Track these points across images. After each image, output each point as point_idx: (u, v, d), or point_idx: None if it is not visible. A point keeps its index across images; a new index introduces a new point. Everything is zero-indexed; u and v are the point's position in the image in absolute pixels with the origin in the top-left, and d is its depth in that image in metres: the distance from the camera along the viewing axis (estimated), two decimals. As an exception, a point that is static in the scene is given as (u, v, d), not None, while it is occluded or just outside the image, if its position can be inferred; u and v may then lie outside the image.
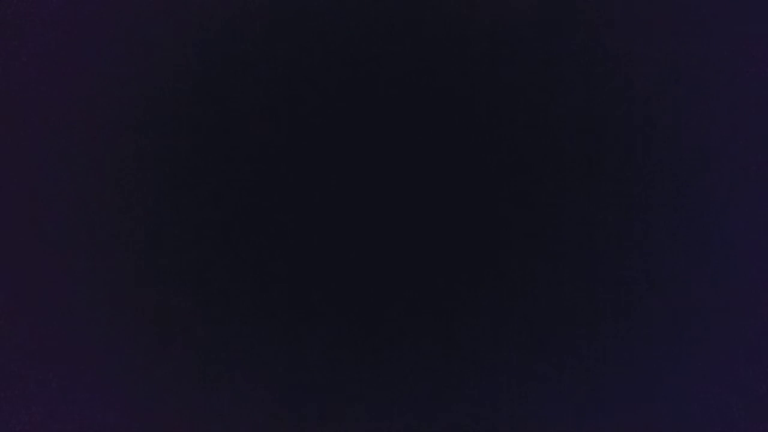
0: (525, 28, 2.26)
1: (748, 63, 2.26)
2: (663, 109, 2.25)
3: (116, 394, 2.22)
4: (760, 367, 2.22)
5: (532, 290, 2.23)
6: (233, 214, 2.24)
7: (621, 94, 2.25)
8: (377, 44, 2.26)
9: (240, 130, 2.26)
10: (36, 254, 2.23)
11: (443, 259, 2.23)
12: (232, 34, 2.27)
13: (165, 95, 2.26)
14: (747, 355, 2.22)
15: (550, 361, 2.21)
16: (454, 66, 2.26)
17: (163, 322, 2.22)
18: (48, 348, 2.23)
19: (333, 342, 2.22)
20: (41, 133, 2.25)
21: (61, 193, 2.24)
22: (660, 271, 2.23)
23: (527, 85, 2.25)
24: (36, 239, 2.23)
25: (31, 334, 2.23)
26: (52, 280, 2.23)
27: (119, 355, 2.22)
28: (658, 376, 2.22)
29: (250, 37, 2.27)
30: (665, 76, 2.26)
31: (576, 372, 2.21)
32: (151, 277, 2.22)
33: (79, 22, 2.27)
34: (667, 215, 2.24)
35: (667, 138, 2.25)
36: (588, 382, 2.21)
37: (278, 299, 2.23)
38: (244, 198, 2.24)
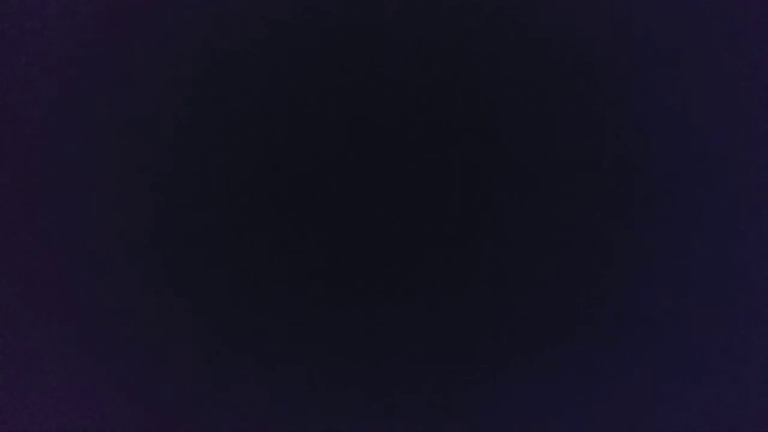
0: (525, 28, 2.26)
1: (748, 63, 2.26)
2: (663, 108, 2.26)
3: (116, 394, 2.22)
4: (760, 367, 2.22)
5: (533, 290, 2.23)
6: (233, 214, 2.24)
7: (621, 94, 2.26)
8: (376, 44, 2.26)
9: (239, 130, 2.26)
10: (36, 254, 2.23)
11: (443, 260, 2.23)
12: (232, 33, 2.27)
13: (164, 95, 2.26)
14: (747, 355, 2.22)
15: (550, 361, 2.21)
16: (454, 64, 2.26)
17: (163, 322, 2.22)
18: (48, 348, 2.23)
19: (333, 342, 2.23)
20: (41, 133, 2.25)
21: (61, 193, 2.24)
22: (660, 270, 2.23)
23: (527, 84, 2.26)
24: (36, 239, 2.23)
25: (31, 334, 2.23)
26: (52, 280, 2.23)
27: (119, 355, 2.22)
28: (658, 376, 2.22)
29: (249, 36, 2.27)
30: (665, 76, 2.26)
31: (576, 372, 2.22)
32: (151, 277, 2.22)
33: (79, 22, 2.27)
34: (667, 215, 2.24)
35: (667, 137, 2.25)
36: (588, 382, 2.21)
37: (278, 299, 2.23)
38: (244, 197, 2.24)
